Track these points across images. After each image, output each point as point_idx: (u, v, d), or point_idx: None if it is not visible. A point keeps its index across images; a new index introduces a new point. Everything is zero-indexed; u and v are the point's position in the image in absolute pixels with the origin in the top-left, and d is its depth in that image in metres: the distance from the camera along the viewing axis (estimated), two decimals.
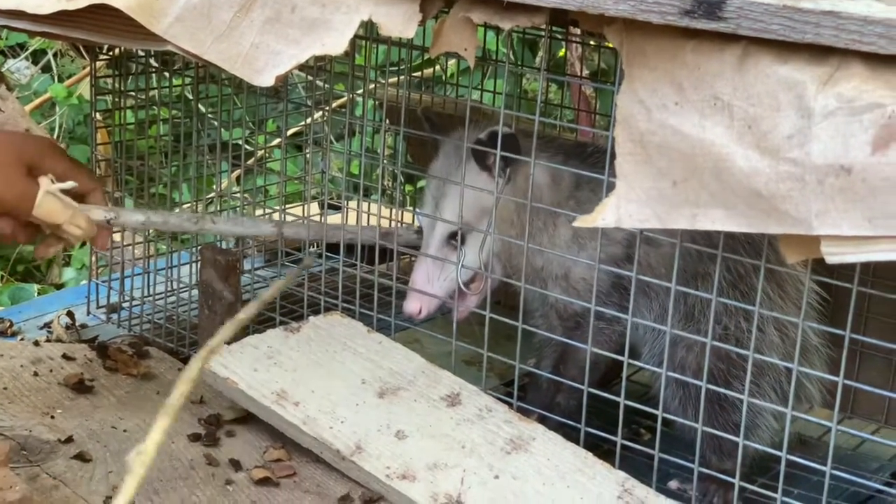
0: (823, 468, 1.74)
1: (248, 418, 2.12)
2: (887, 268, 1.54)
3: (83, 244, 4.22)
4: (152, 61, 2.69)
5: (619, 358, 1.92)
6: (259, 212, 2.76)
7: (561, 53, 4.05)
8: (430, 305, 2.14)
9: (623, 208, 1.61)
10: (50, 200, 1.94)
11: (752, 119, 1.48)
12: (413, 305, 2.14)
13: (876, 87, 1.38)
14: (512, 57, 3.51)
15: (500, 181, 2.03)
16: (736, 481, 1.80)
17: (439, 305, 2.17)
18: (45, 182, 1.94)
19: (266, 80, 1.82)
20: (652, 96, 1.58)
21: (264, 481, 1.95)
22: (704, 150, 1.52)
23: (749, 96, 1.48)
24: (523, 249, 2.00)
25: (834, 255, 1.42)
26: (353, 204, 2.60)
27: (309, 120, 2.87)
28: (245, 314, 1.78)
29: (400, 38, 2.27)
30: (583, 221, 1.68)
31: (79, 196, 2.01)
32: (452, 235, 2.12)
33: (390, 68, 2.54)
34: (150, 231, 2.68)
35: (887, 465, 2.25)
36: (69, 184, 1.97)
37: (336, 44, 1.78)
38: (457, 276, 2.10)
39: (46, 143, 2.06)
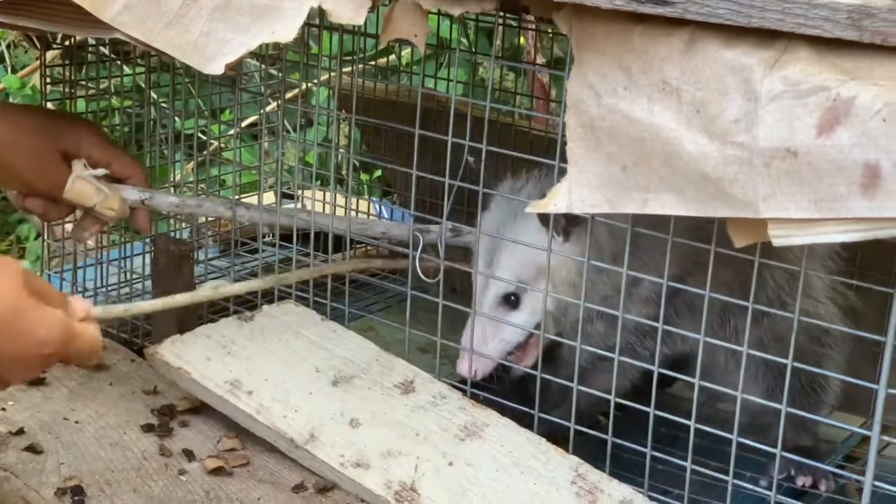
0: (774, 451, 1.75)
1: (201, 408, 2.11)
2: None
3: (37, 235, 4.20)
4: (105, 50, 2.67)
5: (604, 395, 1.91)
6: None
7: (522, 41, 4.06)
8: (485, 368, 2.03)
9: (574, 193, 1.62)
10: (81, 184, 1.99)
11: (699, 103, 1.48)
12: (466, 367, 2.02)
13: (821, 71, 1.39)
14: (468, 45, 3.52)
15: (560, 239, 1.93)
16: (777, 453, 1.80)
17: (494, 367, 2.06)
18: (77, 167, 2.00)
19: (216, 67, 1.81)
20: (602, 81, 1.58)
21: (218, 471, 1.95)
22: (653, 134, 1.52)
23: (697, 81, 1.48)
24: (581, 307, 1.92)
25: (781, 237, 1.43)
26: (308, 193, 2.59)
27: (264, 110, 2.85)
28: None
29: (353, 26, 2.28)
30: (535, 207, 1.68)
31: (117, 178, 2.04)
32: (507, 296, 2.02)
33: (345, 57, 2.53)
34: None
35: (840, 448, 2.26)
36: (100, 171, 2.01)
37: (286, 31, 1.77)
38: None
39: (84, 128, 2.10)
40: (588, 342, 1.96)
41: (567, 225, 1.92)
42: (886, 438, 1.97)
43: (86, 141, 2.09)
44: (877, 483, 1.65)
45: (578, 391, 1.92)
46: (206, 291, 2.04)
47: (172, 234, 2.61)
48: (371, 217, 2.97)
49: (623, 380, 2.01)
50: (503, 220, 2.03)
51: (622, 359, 1.90)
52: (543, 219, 1.92)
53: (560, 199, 1.62)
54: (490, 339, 2.03)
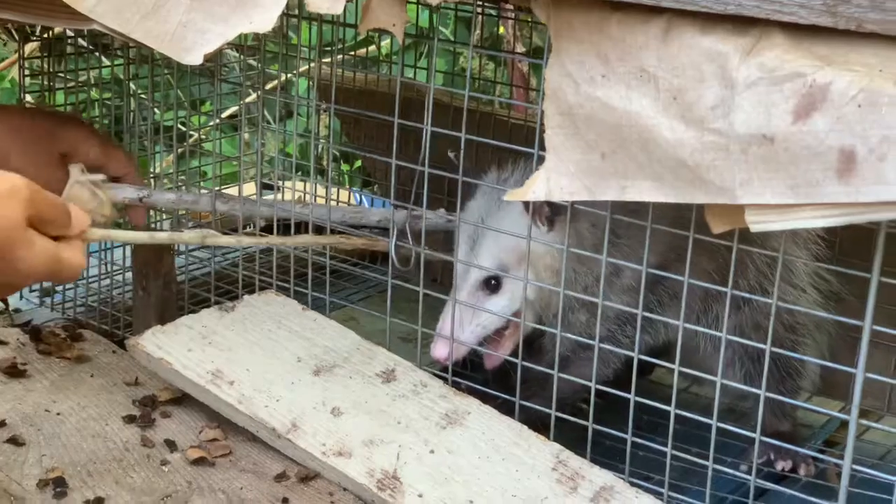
0: (753, 435, 1.76)
1: (183, 399, 2.11)
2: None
3: None
4: (83, 42, 2.67)
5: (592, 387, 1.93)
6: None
7: (501, 31, 4.06)
8: (458, 352, 2.03)
9: (553, 181, 1.62)
10: (78, 189, 1.98)
11: (677, 90, 1.49)
12: (441, 351, 2.03)
13: (797, 57, 1.40)
14: (448, 35, 3.52)
15: (544, 229, 1.94)
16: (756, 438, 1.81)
17: (468, 352, 2.06)
18: (75, 172, 1.99)
19: (194, 58, 1.80)
20: (579, 69, 1.58)
21: (200, 461, 1.95)
22: (631, 121, 1.53)
23: (674, 68, 1.49)
24: (564, 295, 1.93)
25: (758, 223, 1.44)
26: (289, 184, 2.59)
27: (245, 101, 2.85)
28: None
29: (331, 16, 2.28)
30: (513, 195, 1.69)
31: (113, 177, 2.05)
32: (488, 280, 2.03)
33: (325, 48, 2.53)
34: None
35: (820, 433, 2.28)
36: (98, 176, 2.05)
37: (264, 21, 1.76)
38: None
39: (83, 131, 2.10)
40: (570, 332, 1.97)
41: (552, 214, 1.93)
42: (865, 422, 1.99)
43: (84, 143, 2.09)
44: (856, 467, 1.66)
45: (560, 380, 1.93)
46: (192, 234, 2.02)
47: (153, 224, 2.61)
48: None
49: (605, 369, 2.02)
50: (488, 209, 2.04)
51: (602, 346, 1.91)
52: (528, 207, 1.92)
53: (539, 187, 1.62)
54: (467, 324, 2.03)
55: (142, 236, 2.02)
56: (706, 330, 1.91)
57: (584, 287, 1.98)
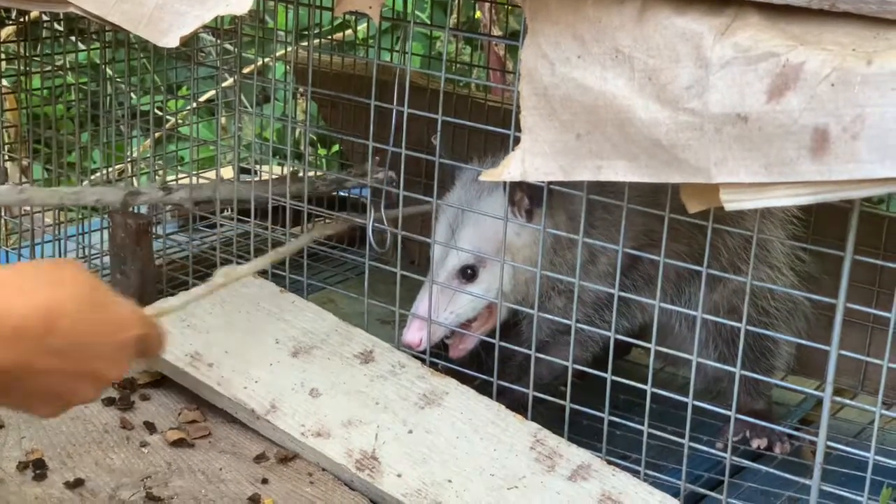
0: (728, 413, 1.78)
1: (162, 381, 2.12)
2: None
3: None
4: (59, 27, 2.66)
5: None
6: (171, 177, 2.74)
7: (478, 16, 4.07)
8: (432, 336, 2.03)
9: (528, 162, 1.63)
10: None
11: (651, 70, 1.50)
12: (413, 336, 2.02)
13: (771, 37, 1.41)
14: (426, 20, 3.53)
15: (522, 220, 1.95)
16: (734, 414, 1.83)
17: (441, 337, 2.05)
18: None
19: (171, 41, 1.80)
20: (555, 50, 1.59)
21: (179, 442, 1.96)
22: (607, 102, 1.54)
23: (649, 48, 1.50)
24: (544, 283, 1.96)
25: (732, 202, 1.45)
26: (267, 168, 2.60)
27: (222, 85, 2.85)
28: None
29: (309, 0, 2.28)
30: (488, 175, 1.70)
31: None
32: (465, 269, 2.03)
33: (302, 32, 2.54)
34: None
35: (796, 411, 2.30)
36: None
37: (241, 3, 1.76)
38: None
39: None
40: (547, 318, 1.98)
41: (531, 206, 1.94)
42: (840, 400, 2.01)
43: None
44: (830, 444, 1.68)
45: (539, 364, 1.95)
46: (219, 279, 2.01)
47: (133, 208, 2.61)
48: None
49: (584, 353, 2.03)
50: (468, 199, 2.04)
51: (580, 326, 1.92)
52: (511, 197, 1.94)
53: (514, 167, 1.63)
54: (442, 310, 2.03)
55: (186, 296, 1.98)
56: (681, 309, 1.92)
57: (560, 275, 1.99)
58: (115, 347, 1.39)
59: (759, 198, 1.43)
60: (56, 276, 1.34)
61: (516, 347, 1.98)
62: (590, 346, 2.05)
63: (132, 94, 2.70)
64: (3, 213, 2.83)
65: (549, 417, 1.96)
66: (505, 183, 1.89)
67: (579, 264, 1.87)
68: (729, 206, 1.45)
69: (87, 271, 1.41)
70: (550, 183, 1.82)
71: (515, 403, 1.97)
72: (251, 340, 2.08)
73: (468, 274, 2.03)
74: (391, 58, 2.94)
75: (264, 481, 1.87)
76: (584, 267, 1.93)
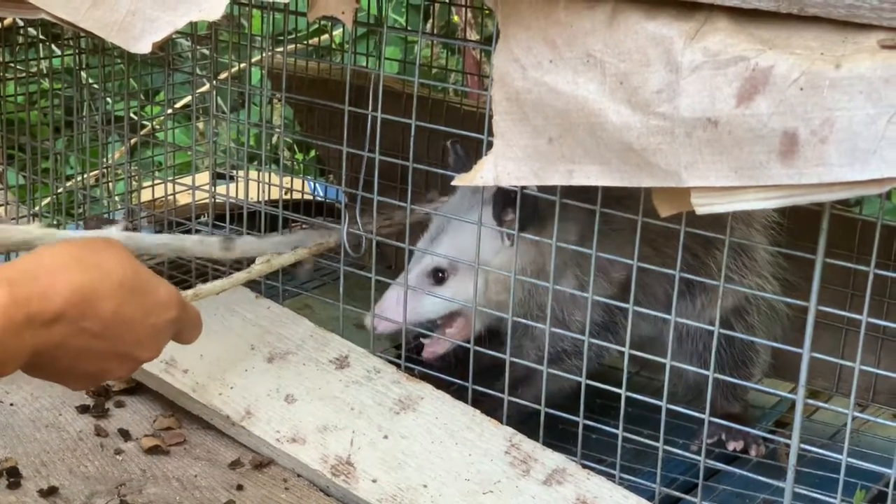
0: (702, 416, 1.78)
1: (137, 388, 2.11)
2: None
3: None
4: (33, 31, 2.65)
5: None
6: (147, 183, 2.73)
7: (455, 20, 4.06)
8: (389, 327, 2.04)
9: (501, 166, 1.63)
10: None
11: (623, 75, 1.50)
12: (370, 321, 2.05)
13: (740, 41, 1.41)
14: (403, 24, 3.52)
15: (507, 243, 1.96)
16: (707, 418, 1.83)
17: (397, 330, 2.06)
18: None
19: (143, 47, 1.80)
20: (527, 55, 1.59)
21: (154, 449, 1.95)
22: (578, 106, 1.54)
23: (620, 53, 1.50)
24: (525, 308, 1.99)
25: (703, 205, 1.45)
26: (244, 173, 2.59)
27: (199, 91, 2.84)
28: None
29: (283, 4, 2.28)
30: (461, 180, 1.70)
31: None
32: (435, 272, 2.03)
33: (278, 37, 2.53)
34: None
35: (771, 414, 2.30)
36: None
37: (213, 9, 1.75)
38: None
39: None
40: (534, 344, 2.02)
41: (521, 229, 1.93)
42: (814, 403, 2.01)
43: None
44: (804, 446, 1.68)
45: (526, 393, 2.00)
46: (259, 266, 2.04)
47: (106, 214, 2.60)
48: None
49: (568, 382, 2.02)
50: (463, 206, 2.04)
51: (573, 333, 1.95)
52: (497, 215, 1.94)
53: (486, 172, 1.63)
54: (403, 304, 2.03)
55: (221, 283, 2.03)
56: (661, 314, 1.92)
57: (540, 305, 1.99)
58: (151, 330, 1.43)
59: (729, 201, 1.44)
60: (96, 259, 1.37)
61: (491, 352, 1.98)
62: (576, 373, 2.04)
63: (108, 100, 2.70)
64: None
65: (525, 422, 1.96)
66: (495, 198, 1.92)
67: (551, 293, 1.88)
68: (699, 210, 1.46)
69: (128, 253, 1.43)
70: (545, 208, 1.86)
71: (491, 409, 1.97)
72: (226, 346, 2.08)
73: (438, 277, 2.04)
74: (367, 62, 2.94)
75: (239, 488, 1.87)
76: (573, 298, 1.97)
